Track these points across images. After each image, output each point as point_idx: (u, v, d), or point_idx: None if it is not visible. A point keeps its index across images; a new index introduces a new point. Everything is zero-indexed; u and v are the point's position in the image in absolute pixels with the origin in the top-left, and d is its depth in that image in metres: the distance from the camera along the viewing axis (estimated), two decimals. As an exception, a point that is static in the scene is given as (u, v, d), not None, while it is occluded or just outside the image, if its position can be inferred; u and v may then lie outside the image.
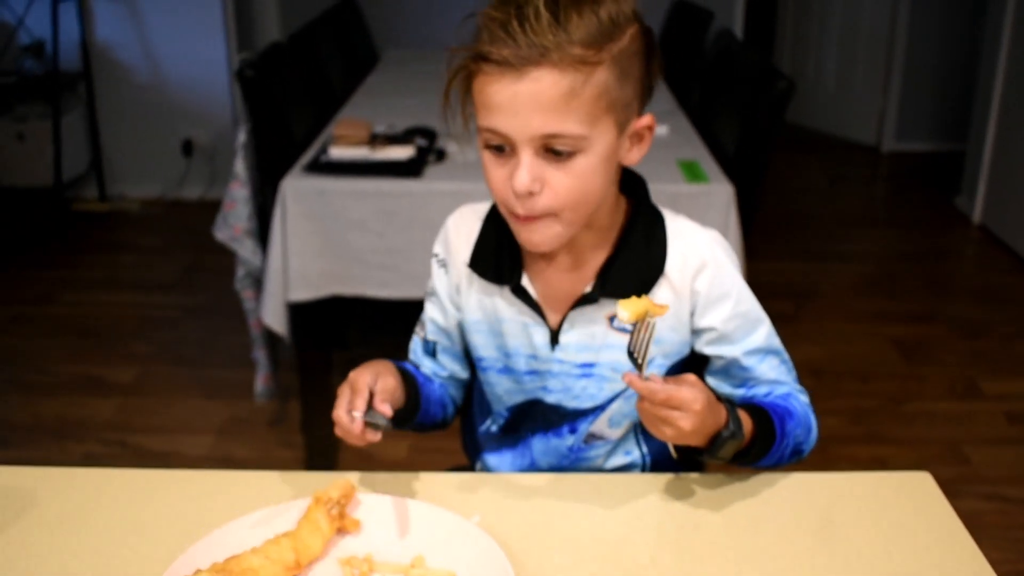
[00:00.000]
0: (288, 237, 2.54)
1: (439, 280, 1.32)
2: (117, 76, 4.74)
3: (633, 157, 1.16)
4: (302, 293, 2.58)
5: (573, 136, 1.06)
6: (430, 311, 1.35)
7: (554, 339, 1.25)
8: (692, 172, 2.59)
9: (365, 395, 1.12)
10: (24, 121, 4.56)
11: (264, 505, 1.09)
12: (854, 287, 4.03)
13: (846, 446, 2.85)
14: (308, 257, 2.57)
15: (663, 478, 1.21)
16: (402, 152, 2.66)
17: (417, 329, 1.39)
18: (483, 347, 1.30)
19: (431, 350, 1.36)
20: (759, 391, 1.27)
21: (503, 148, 1.09)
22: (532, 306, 1.24)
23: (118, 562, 1.05)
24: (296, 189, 2.53)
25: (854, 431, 2.95)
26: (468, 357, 1.37)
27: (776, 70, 2.78)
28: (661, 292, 1.22)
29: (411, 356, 1.39)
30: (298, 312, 2.61)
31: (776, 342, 1.28)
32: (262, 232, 2.69)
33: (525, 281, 1.24)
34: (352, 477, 1.17)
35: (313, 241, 2.57)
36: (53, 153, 4.45)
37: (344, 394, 1.14)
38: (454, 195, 2.56)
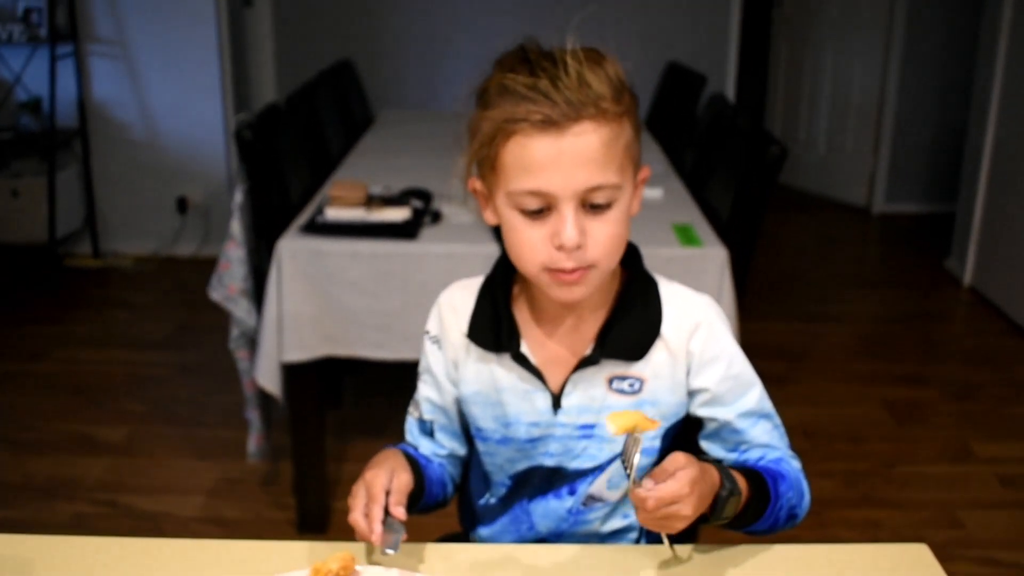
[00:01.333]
0: (283, 297, 2.54)
1: (434, 358, 1.33)
2: (113, 133, 4.77)
3: (635, 207, 1.20)
4: (296, 354, 2.58)
5: (611, 186, 1.11)
6: (424, 391, 1.36)
7: (556, 403, 1.26)
8: (686, 236, 2.61)
9: (382, 502, 1.13)
10: (20, 177, 4.58)
11: (267, 574, 1.08)
12: (846, 348, 4.04)
13: (840, 509, 2.84)
14: (303, 318, 2.57)
15: (660, 549, 1.20)
16: (398, 214, 2.68)
17: (411, 410, 1.39)
18: (482, 418, 1.31)
19: (428, 430, 1.37)
20: (751, 455, 1.28)
21: (540, 209, 1.12)
22: (533, 372, 1.25)
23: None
24: (292, 250, 2.54)
25: (848, 494, 2.94)
26: (466, 433, 1.37)
27: (769, 135, 2.82)
28: (657, 354, 1.24)
29: (408, 437, 1.39)
30: (292, 371, 2.60)
31: (768, 406, 1.29)
32: (257, 292, 2.69)
33: (524, 348, 1.25)
34: (349, 547, 1.16)
35: (308, 302, 2.57)
36: (48, 209, 4.47)
37: (359, 496, 1.15)
38: (450, 257, 2.58)
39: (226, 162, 4.82)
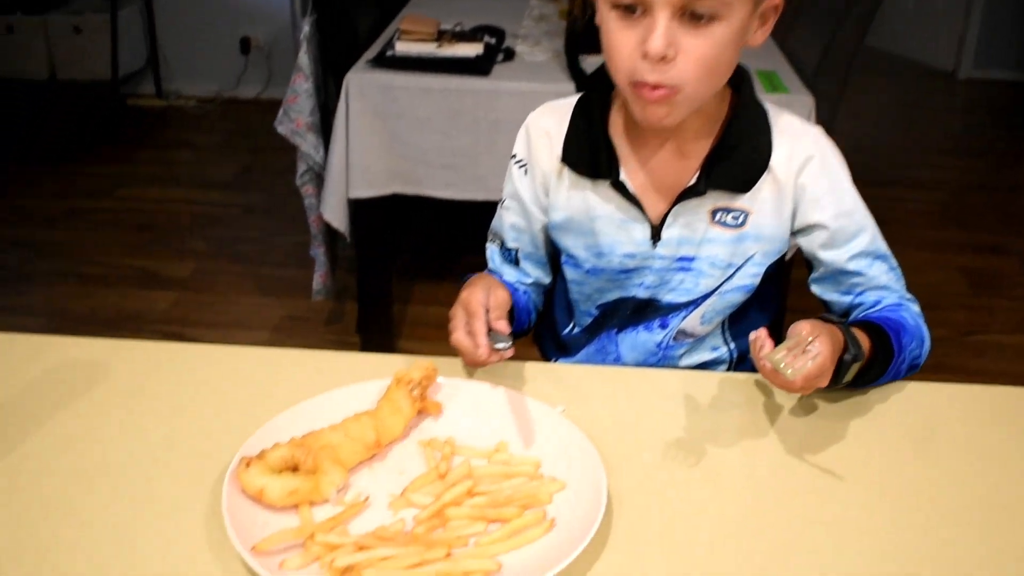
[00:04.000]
0: (351, 133, 2.48)
1: (521, 184, 1.25)
2: (175, -30, 4.66)
3: (758, 39, 1.08)
4: (363, 191, 2.52)
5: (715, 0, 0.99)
6: (509, 218, 1.28)
7: (654, 234, 1.18)
8: (771, 83, 2.48)
9: (483, 317, 1.05)
10: (81, 14, 4.51)
11: (342, 385, 1.04)
12: (925, 215, 3.90)
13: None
14: (371, 154, 2.51)
15: (753, 378, 1.14)
16: (470, 49, 2.57)
17: (491, 238, 1.32)
18: (573, 247, 1.24)
19: (513, 258, 1.30)
20: (867, 299, 1.19)
21: (634, 9, 1.01)
22: (631, 201, 1.17)
23: (192, 434, 1.01)
24: (360, 83, 2.46)
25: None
26: (551, 261, 1.31)
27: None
28: (765, 187, 1.15)
29: (490, 265, 1.33)
30: (359, 208, 2.56)
31: (883, 246, 1.20)
32: (324, 127, 2.63)
33: (623, 175, 1.16)
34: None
35: (376, 138, 2.50)
36: (110, 47, 4.40)
37: (458, 316, 1.08)
38: (522, 95, 2.48)
39: (289, 2, 4.70)
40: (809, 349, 0.97)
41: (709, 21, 1.00)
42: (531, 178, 1.24)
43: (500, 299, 1.10)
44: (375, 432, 0.93)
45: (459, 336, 1.05)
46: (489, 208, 2.57)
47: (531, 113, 1.26)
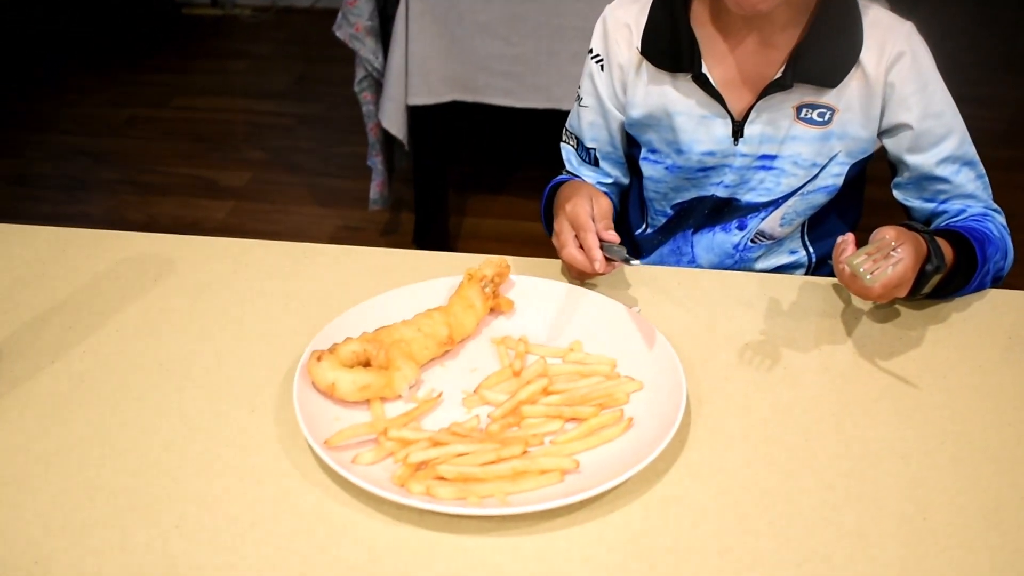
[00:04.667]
0: (411, 38, 2.43)
1: (599, 80, 1.21)
2: None
3: None
4: (423, 98, 2.49)
5: None
6: (588, 116, 1.24)
7: (736, 130, 1.14)
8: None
9: (593, 228, 1.00)
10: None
11: (413, 281, 1.02)
12: (992, 133, 3.79)
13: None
14: (431, 60, 2.47)
15: (831, 282, 1.10)
16: (533, -48, 2.50)
17: (566, 138, 1.29)
18: (651, 143, 1.20)
19: (592, 159, 1.27)
20: (951, 207, 1.15)
21: None
22: (714, 95, 1.13)
23: (261, 329, 1.00)
24: (421, -13, 2.41)
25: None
26: (629, 162, 1.27)
27: None
28: (854, 83, 1.11)
29: (568, 167, 1.29)
30: (418, 115, 2.53)
31: (971, 152, 1.16)
32: (383, 33, 2.59)
33: (705, 69, 1.12)
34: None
35: (436, 43, 2.46)
36: (166, -45, 4.37)
37: (565, 231, 1.03)
38: (589, 2, 2.42)
39: (346, -91, 4.61)
40: (891, 255, 0.93)
41: None
42: (608, 74, 1.20)
43: (604, 208, 1.06)
44: (448, 328, 0.91)
45: (571, 251, 1.01)
46: (550, 116, 2.52)
47: (608, 5, 1.21)
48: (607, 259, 0.97)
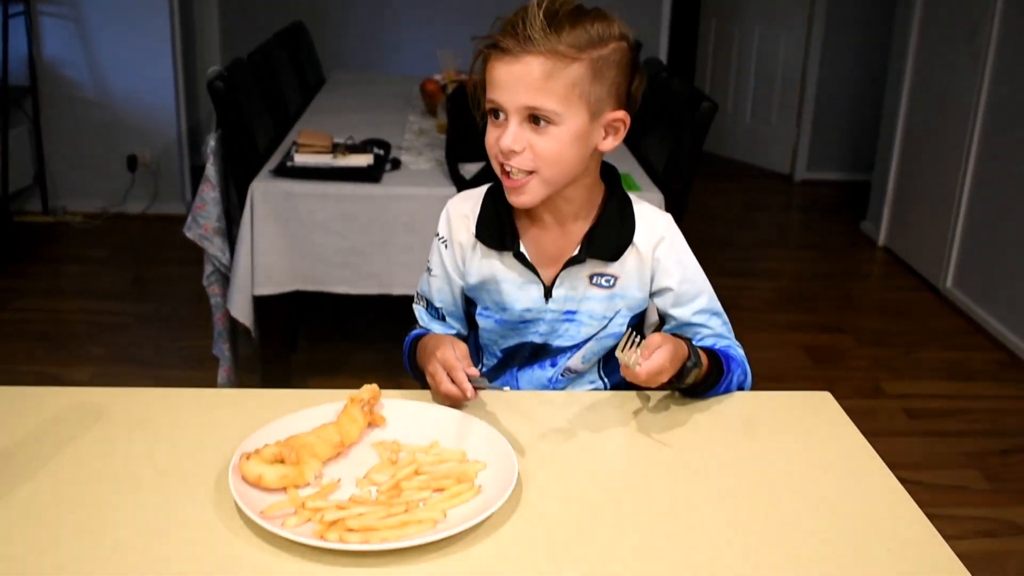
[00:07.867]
0: (256, 235, 2.72)
1: (445, 256, 1.55)
2: (64, 92, 4.85)
3: (608, 144, 1.41)
4: (268, 288, 2.76)
5: (548, 110, 1.33)
6: (435, 283, 1.58)
7: (547, 293, 1.50)
8: (626, 183, 2.84)
9: (460, 367, 1.33)
10: (-30, 135, 4.63)
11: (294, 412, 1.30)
12: (769, 302, 4.32)
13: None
14: (274, 254, 2.75)
15: (624, 395, 1.47)
16: (362, 160, 2.87)
17: (418, 300, 1.62)
18: (484, 303, 1.54)
19: (440, 315, 1.60)
20: (706, 343, 1.53)
21: (498, 115, 1.36)
22: (529, 268, 1.49)
23: (190, 449, 1.24)
24: (264, 191, 2.72)
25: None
26: (467, 316, 1.61)
27: (701, 93, 3.07)
28: (630, 257, 1.49)
29: (420, 323, 1.62)
30: (263, 305, 2.79)
31: (717, 305, 1.56)
32: (229, 232, 2.86)
33: (522, 248, 1.49)
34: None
35: (279, 240, 2.75)
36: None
37: (439, 371, 1.34)
38: (410, 199, 2.78)
39: (176, 121, 4.93)
40: (661, 350, 1.29)
41: (547, 124, 1.34)
42: (451, 251, 1.54)
43: (463, 350, 1.38)
44: (339, 435, 1.20)
45: (447, 386, 1.33)
46: (382, 301, 2.87)
47: (450, 200, 1.58)
48: (474, 388, 1.31)
